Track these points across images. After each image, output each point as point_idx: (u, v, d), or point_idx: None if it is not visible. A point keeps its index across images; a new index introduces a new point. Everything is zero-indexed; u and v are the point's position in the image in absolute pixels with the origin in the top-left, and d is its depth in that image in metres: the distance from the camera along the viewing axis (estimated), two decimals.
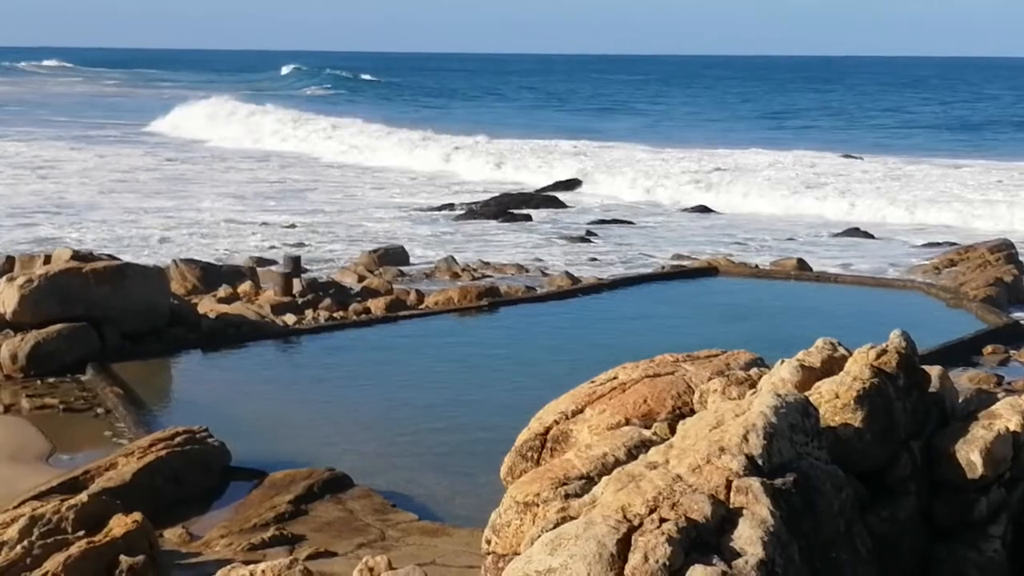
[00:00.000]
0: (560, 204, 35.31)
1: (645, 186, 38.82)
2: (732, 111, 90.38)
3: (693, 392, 7.55)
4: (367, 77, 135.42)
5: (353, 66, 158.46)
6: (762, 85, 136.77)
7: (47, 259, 16.07)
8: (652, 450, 6.27)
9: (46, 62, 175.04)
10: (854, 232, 30.26)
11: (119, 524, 8.35)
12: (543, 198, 35.87)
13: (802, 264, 22.63)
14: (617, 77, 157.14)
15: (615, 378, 7.95)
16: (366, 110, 77.89)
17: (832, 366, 7.07)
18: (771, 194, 36.68)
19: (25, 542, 8.24)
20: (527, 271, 22.73)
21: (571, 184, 39.10)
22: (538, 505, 6.24)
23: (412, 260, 23.50)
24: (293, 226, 29.92)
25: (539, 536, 5.63)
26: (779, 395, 6.26)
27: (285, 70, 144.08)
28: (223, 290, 18.66)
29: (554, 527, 5.66)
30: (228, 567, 7.10)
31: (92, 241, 25.92)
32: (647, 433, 7.02)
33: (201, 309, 16.90)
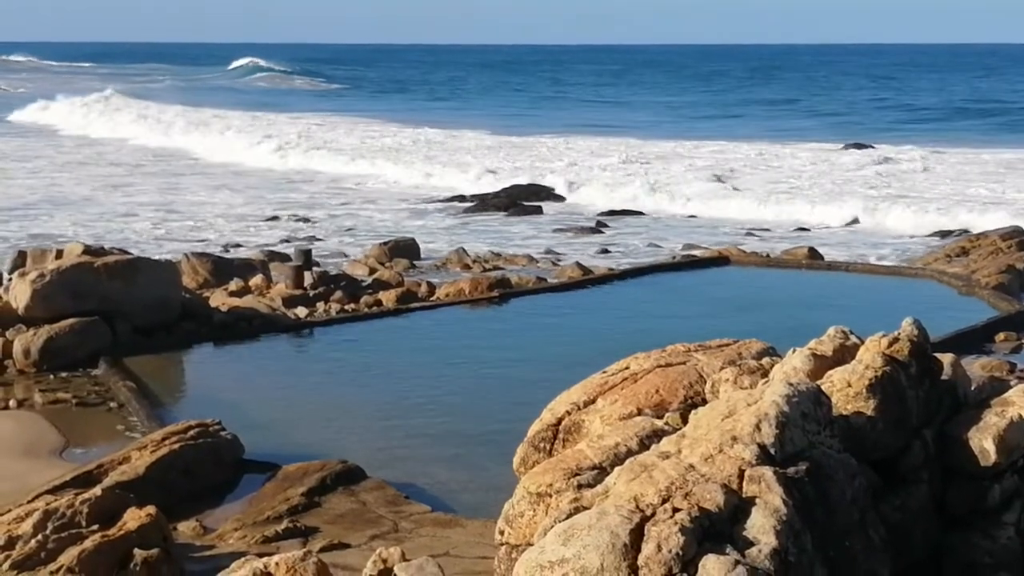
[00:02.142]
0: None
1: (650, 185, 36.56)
2: (711, 101, 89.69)
3: (705, 382, 7.55)
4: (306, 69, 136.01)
5: (313, 58, 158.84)
6: (735, 73, 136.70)
7: (59, 254, 16.09)
8: (664, 440, 6.27)
9: (13, 56, 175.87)
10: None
11: (133, 517, 8.37)
12: (553, 190, 35.78)
13: (813, 253, 22.59)
14: (589, 67, 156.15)
15: (627, 368, 7.96)
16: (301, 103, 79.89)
17: (844, 355, 7.06)
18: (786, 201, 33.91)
19: (39, 536, 8.27)
20: (538, 262, 22.73)
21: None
22: (551, 495, 6.25)
23: (423, 252, 23.51)
24: (276, 218, 30.11)
25: (552, 526, 5.64)
26: (791, 384, 6.26)
27: (236, 63, 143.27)
28: (234, 283, 18.69)
29: (567, 517, 5.67)
30: (242, 559, 7.11)
31: None
32: (659, 423, 7.02)
33: (213, 303, 16.92)
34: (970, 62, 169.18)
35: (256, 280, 18.89)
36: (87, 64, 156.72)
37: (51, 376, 13.85)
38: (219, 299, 17.40)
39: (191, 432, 10.61)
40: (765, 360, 7.68)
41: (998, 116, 69.51)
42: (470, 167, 41.50)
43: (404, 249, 23.10)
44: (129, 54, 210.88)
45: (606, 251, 25.44)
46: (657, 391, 7.53)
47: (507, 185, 36.19)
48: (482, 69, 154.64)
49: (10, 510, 9.01)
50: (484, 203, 32.87)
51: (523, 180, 37.49)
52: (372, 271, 20.71)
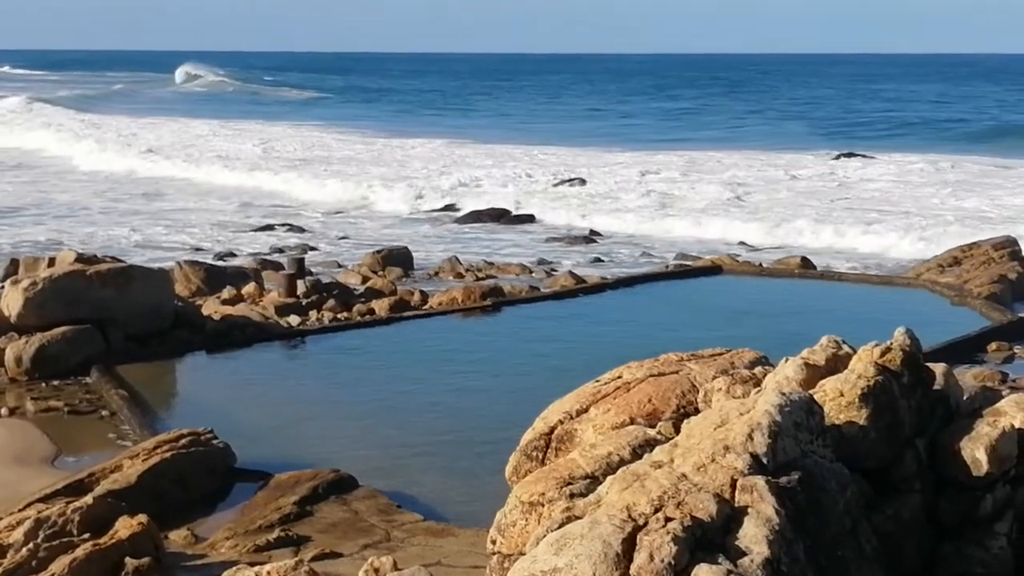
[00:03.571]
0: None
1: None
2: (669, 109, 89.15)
3: (698, 391, 7.55)
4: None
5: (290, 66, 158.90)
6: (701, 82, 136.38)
7: (51, 262, 16.07)
8: (657, 449, 6.28)
9: None
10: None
11: (124, 526, 8.36)
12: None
13: (806, 262, 22.61)
14: (554, 78, 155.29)
15: (619, 377, 7.95)
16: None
17: (837, 364, 7.06)
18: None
19: (31, 544, 8.25)
20: (531, 271, 22.73)
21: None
22: (543, 505, 6.24)
23: (416, 261, 23.50)
24: (269, 227, 30.10)
25: (544, 536, 5.63)
26: (784, 393, 6.26)
27: (180, 71, 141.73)
28: (227, 292, 18.67)
29: (559, 527, 5.66)
30: (234, 569, 7.11)
31: None
32: (652, 432, 7.02)
33: (205, 311, 16.91)
34: (951, 72, 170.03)
35: (249, 288, 18.87)
36: (40, 72, 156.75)
37: (43, 384, 13.82)
38: (212, 307, 17.38)
39: (183, 441, 10.59)
40: (758, 369, 7.68)
41: (981, 124, 69.55)
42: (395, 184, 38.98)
43: (397, 258, 23.09)
44: (103, 62, 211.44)
45: (599, 260, 25.46)
46: (650, 400, 7.53)
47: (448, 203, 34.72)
48: (461, 77, 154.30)
49: (1, 518, 9.00)
50: (477, 213, 32.86)
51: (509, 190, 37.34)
52: (365, 280, 20.70)
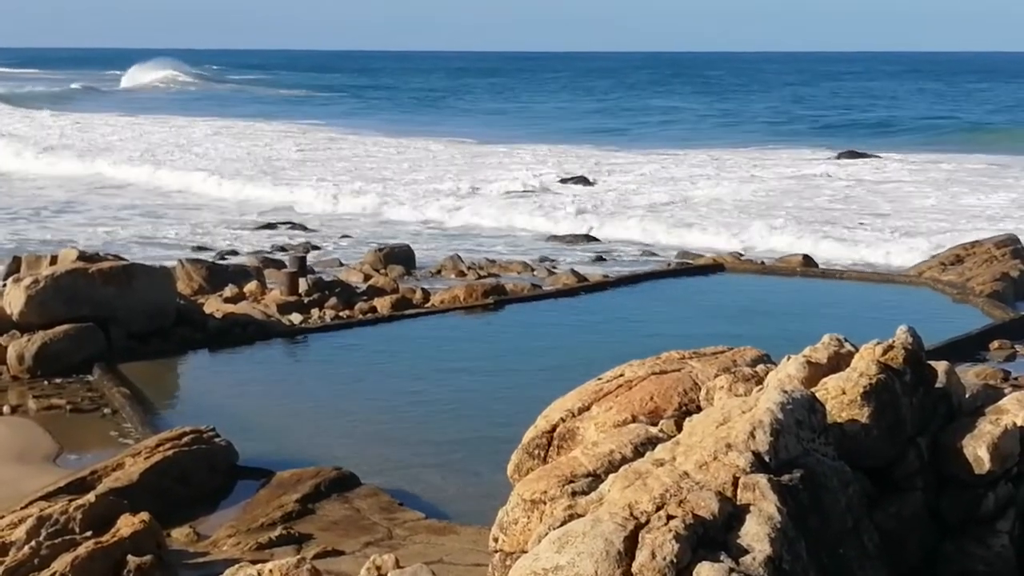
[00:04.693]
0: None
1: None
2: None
3: (700, 389, 7.54)
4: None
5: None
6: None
7: (53, 260, 16.08)
8: (659, 447, 6.28)
9: None
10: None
11: (127, 524, 8.36)
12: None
13: (808, 260, 22.60)
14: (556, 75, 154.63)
15: (621, 375, 7.95)
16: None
17: (839, 362, 7.06)
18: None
19: (33, 542, 8.25)
20: (533, 269, 22.72)
21: None
22: (545, 503, 6.24)
23: (418, 259, 23.49)
24: (272, 225, 30.09)
25: (546, 534, 5.63)
26: (786, 391, 6.26)
27: (160, 70, 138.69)
28: (229, 290, 18.66)
29: (561, 525, 5.66)
30: (236, 567, 7.11)
31: None
32: (654, 430, 7.01)
33: (207, 309, 16.91)
34: (944, 70, 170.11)
35: (251, 286, 18.87)
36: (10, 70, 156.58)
37: (45, 382, 13.82)
38: (214, 305, 17.38)
39: (185, 438, 10.60)
40: (760, 367, 7.68)
41: (966, 122, 69.39)
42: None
43: (399, 256, 23.07)
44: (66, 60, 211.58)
45: (601, 259, 25.45)
46: (652, 398, 7.53)
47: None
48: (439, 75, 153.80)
49: (3, 516, 9.00)
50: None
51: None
52: (367, 278, 20.70)
